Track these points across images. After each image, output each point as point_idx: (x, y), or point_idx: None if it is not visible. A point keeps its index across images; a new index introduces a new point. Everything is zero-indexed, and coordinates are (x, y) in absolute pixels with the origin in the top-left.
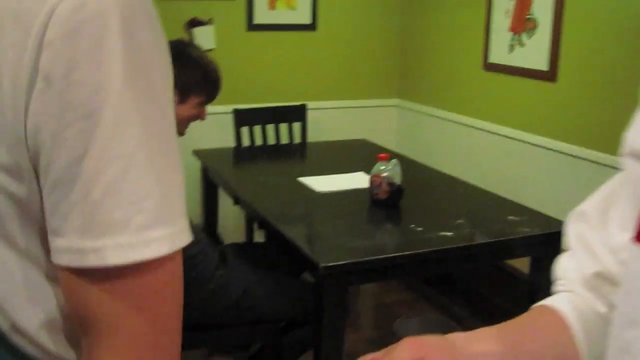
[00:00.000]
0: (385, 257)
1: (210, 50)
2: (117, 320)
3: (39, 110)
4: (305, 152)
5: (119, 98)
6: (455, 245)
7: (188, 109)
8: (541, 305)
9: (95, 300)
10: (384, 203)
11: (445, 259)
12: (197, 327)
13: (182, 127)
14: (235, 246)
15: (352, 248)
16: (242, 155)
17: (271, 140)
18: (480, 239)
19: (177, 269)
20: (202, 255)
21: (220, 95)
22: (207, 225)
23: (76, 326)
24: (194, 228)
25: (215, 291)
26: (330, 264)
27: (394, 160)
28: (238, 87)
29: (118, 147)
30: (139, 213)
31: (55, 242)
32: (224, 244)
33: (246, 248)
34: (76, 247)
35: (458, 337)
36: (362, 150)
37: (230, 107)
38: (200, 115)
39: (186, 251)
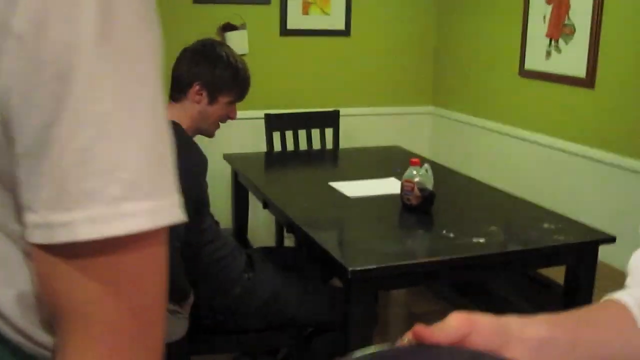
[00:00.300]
0: (415, 263)
1: (243, 55)
2: (92, 308)
3: (9, 71)
4: (337, 158)
5: (92, 57)
6: (487, 252)
7: (218, 108)
8: (605, 299)
9: (67, 283)
10: (416, 209)
11: (476, 266)
12: (223, 330)
13: (212, 127)
14: (264, 250)
15: (382, 253)
16: (273, 160)
17: (303, 146)
18: (513, 247)
19: (160, 252)
20: (230, 258)
21: (252, 100)
22: (237, 229)
23: (50, 315)
24: (223, 231)
25: (241, 294)
26: (359, 268)
27: (426, 165)
28: (270, 92)
29: (91, 110)
30: (114, 183)
31: (28, 218)
32: (253, 248)
33: (275, 252)
34: (46, 221)
35: (513, 320)
36: (395, 156)
37: (262, 112)
38: (230, 115)
39: (215, 253)
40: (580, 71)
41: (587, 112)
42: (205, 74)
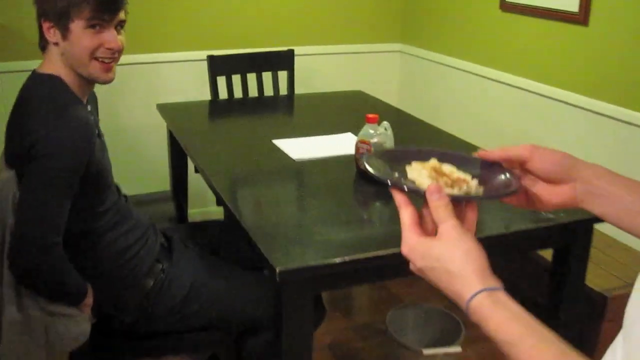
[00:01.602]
0: (371, 257)
1: None
2: None
3: None
4: (292, 107)
5: None
6: None
7: (76, 41)
8: None
9: None
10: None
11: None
12: (133, 335)
13: (91, 69)
14: (190, 227)
15: (326, 242)
16: (216, 110)
17: (253, 92)
18: (498, 228)
19: None
20: (140, 245)
21: (192, 39)
22: (175, 196)
23: None
24: (134, 211)
25: (154, 290)
26: (290, 268)
27: (385, 123)
28: (214, 29)
29: None
30: None
31: None
32: (171, 227)
33: (201, 229)
34: None
35: (585, 166)
36: (356, 104)
37: (204, 53)
38: (102, 43)
39: (119, 240)
40: (573, 4)
41: (579, 53)
42: (39, 1)
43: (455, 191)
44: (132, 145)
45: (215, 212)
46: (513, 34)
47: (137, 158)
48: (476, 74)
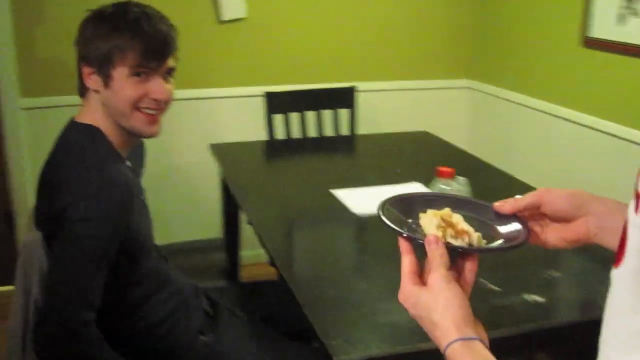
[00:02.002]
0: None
1: (240, 19)
2: None
3: None
4: (353, 149)
5: None
6: (544, 325)
7: (119, 89)
8: None
9: None
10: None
11: (530, 344)
12: None
13: (132, 121)
14: (239, 288)
15: (395, 325)
16: (272, 150)
17: (311, 131)
18: (586, 312)
19: None
20: (179, 315)
21: (248, 74)
22: (227, 246)
23: None
24: (174, 275)
25: None
26: (351, 359)
27: (462, 179)
28: (271, 64)
29: None
30: None
31: None
32: (219, 287)
33: (252, 291)
34: None
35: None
36: (422, 147)
37: (260, 89)
38: (147, 93)
39: (154, 313)
40: None
41: None
42: (81, 44)
43: (458, 242)
44: (183, 187)
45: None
46: (597, 73)
47: (188, 201)
48: (554, 115)
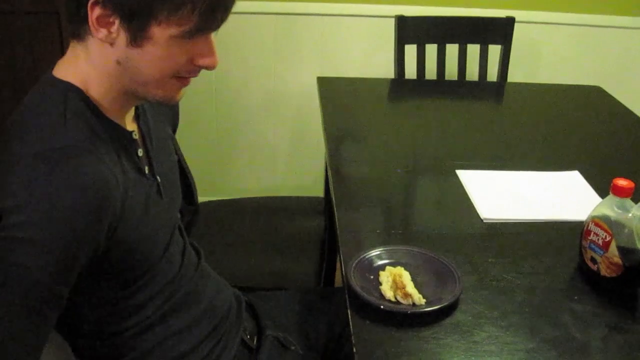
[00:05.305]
0: None
1: None
2: None
3: None
4: (499, 108)
5: None
6: None
7: (156, 53)
8: None
9: None
10: (609, 281)
11: None
12: None
13: (161, 90)
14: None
15: None
16: (396, 95)
17: (451, 70)
18: None
19: None
20: (208, 347)
21: None
22: (325, 214)
23: None
24: (207, 287)
25: None
26: None
27: None
28: None
29: None
30: None
31: None
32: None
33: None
34: None
35: None
36: (590, 113)
37: (391, 9)
38: (199, 61)
39: (168, 344)
40: None
41: None
42: None
43: (407, 300)
44: (289, 121)
45: None
46: None
47: (288, 148)
48: None
